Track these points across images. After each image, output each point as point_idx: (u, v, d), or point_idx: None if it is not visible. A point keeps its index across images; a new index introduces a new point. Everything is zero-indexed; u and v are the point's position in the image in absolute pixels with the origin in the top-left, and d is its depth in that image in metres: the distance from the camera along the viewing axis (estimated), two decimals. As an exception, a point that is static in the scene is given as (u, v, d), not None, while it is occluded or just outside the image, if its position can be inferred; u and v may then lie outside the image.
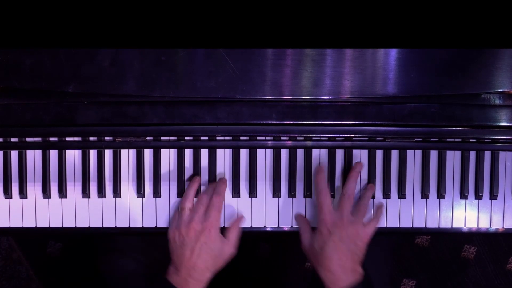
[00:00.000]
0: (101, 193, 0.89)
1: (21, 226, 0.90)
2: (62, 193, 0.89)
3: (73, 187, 0.89)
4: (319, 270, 0.81)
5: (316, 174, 0.86)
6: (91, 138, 0.86)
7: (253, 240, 1.34)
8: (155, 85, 0.80)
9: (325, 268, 0.79)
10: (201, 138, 0.86)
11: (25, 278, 1.43)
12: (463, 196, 0.89)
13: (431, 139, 0.86)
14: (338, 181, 0.89)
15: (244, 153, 0.89)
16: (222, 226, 0.88)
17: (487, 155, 0.89)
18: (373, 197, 0.89)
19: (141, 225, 0.90)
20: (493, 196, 0.89)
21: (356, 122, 0.82)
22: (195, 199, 0.87)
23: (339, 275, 0.79)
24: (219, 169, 0.89)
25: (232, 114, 0.81)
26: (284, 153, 0.89)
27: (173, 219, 0.87)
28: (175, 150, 0.89)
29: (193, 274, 0.80)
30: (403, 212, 0.89)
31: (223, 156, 0.89)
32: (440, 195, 0.89)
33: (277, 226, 0.90)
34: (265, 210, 0.90)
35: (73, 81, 0.80)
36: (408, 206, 0.89)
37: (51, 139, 0.86)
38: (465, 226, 0.90)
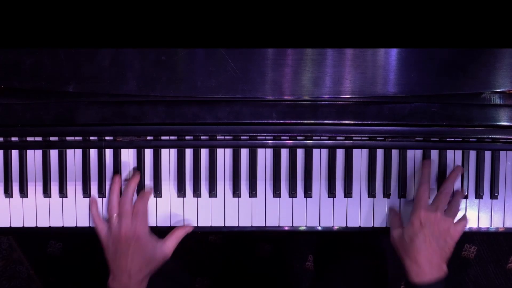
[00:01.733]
0: (101, 193, 0.89)
1: (21, 225, 0.90)
2: (63, 193, 0.89)
3: (74, 187, 0.89)
4: (406, 260, 0.81)
5: (423, 168, 0.87)
6: (91, 138, 0.86)
7: (253, 239, 1.34)
8: (156, 85, 0.80)
9: (412, 259, 0.80)
10: (202, 137, 0.86)
11: (26, 277, 1.44)
12: (464, 195, 0.89)
13: (432, 139, 0.86)
14: (339, 181, 0.89)
15: (244, 153, 0.89)
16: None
17: (488, 154, 0.89)
18: (374, 196, 0.89)
19: (141, 225, 0.90)
20: (493, 195, 0.89)
21: (356, 122, 0.82)
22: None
23: (425, 269, 0.79)
24: (219, 168, 0.89)
25: (232, 113, 0.81)
26: (284, 152, 0.89)
27: (102, 225, 0.87)
28: (176, 149, 0.89)
29: (130, 277, 0.82)
30: (403, 212, 0.89)
31: (224, 156, 0.89)
32: (441, 195, 0.89)
33: (277, 225, 0.90)
34: (265, 209, 0.90)
35: (73, 81, 0.80)
36: (409, 206, 0.89)
37: (52, 138, 0.86)
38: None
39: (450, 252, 0.83)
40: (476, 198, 0.90)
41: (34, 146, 0.87)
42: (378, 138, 0.85)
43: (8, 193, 0.89)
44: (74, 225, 0.90)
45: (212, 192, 0.88)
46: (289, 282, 1.39)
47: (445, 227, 0.82)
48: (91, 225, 0.90)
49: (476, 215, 0.90)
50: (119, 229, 0.84)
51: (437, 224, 0.81)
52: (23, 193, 0.89)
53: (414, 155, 0.89)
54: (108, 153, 0.89)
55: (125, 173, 0.89)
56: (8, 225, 0.90)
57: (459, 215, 0.87)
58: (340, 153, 0.89)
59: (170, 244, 0.87)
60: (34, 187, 0.89)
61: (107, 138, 0.86)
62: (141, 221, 0.85)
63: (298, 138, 0.86)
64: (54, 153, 0.89)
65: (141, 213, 0.86)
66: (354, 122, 0.82)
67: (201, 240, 1.37)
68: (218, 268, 1.35)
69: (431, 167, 0.88)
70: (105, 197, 0.89)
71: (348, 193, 0.89)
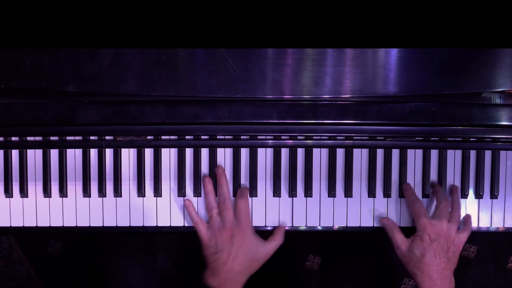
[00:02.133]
0: (101, 192, 0.89)
1: (21, 225, 0.90)
2: (63, 192, 0.89)
3: (74, 186, 0.89)
4: (417, 275, 0.82)
5: (405, 191, 0.88)
6: (91, 137, 0.86)
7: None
8: (156, 85, 0.80)
9: (425, 274, 0.81)
10: (202, 137, 0.86)
11: (26, 277, 1.44)
12: (464, 195, 0.90)
13: (432, 138, 0.86)
14: (339, 181, 0.89)
15: (244, 152, 0.89)
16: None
17: (488, 154, 0.89)
18: (374, 196, 0.89)
19: (141, 224, 0.90)
20: (493, 195, 0.89)
21: (356, 121, 0.82)
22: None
23: (437, 282, 0.80)
24: (219, 168, 0.89)
25: (232, 113, 0.81)
26: (284, 152, 0.89)
27: (203, 226, 0.86)
28: (176, 149, 0.89)
29: (231, 276, 0.82)
30: (403, 211, 0.89)
31: (224, 155, 0.89)
32: (441, 195, 0.89)
33: (277, 225, 0.90)
34: (265, 209, 0.90)
35: (73, 81, 0.80)
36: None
37: (52, 138, 0.86)
38: (465, 225, 0.90)
39: (457, 262, 0.84)
40: (476, 197, 0.90)
41: (34, 145, 0.87)
42: (378, 138, 0.85)
43: (8, 192, 0.89)
44: (74, 225, 0.90)
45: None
46: (289, 282, 1.39)
47: (451, 237, 0.83)
48: (91, 225, 0.90)
49: (476, 214, 0.90)
50: (224, 225, 0.83)
51: (444, 236, 0.82)
52: (23, 192, 0.89)
53: (414, 155, 0.89)
54: (108, 152, 0.89)
55: (125, 176, 0.89)
56: (8, 225, 0.90)
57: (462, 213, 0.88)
58: (340, 153, 0.89)
59: (273, 245, 0.87)
60: (34, 187, 0.89)
61: (107, 137, 0.86)
62: (244, 217, 0.84)
63: (298, 137, 0.86)
64: (54, 153, 0.89)
65: (244, 211, 0.85)
66: (354, 121, 0.82)
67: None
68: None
69: (411, 188, 0.89)
70: (105, 197, 0.89)
71: (348, 192, 0.89)
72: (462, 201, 0.90)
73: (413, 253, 0.82)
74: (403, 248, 0.84)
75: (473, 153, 0.90)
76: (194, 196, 0.89)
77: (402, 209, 0.90)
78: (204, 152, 0.89)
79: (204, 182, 0.88)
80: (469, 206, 0.90)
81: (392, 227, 0.87)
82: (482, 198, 0.90)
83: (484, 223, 0.90)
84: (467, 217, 0.89)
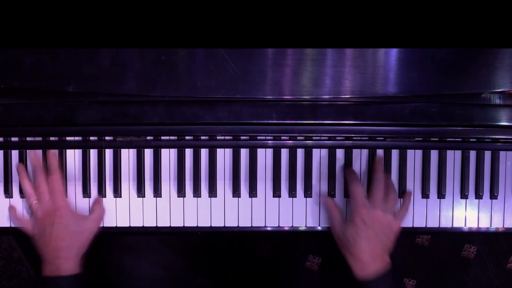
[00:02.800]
0: (101, 193, 0.89)
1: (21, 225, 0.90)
2: (63, 193, 0.89)
3: (74, 187, 0.89)
4: (349, 258, 0.82)
5: (346, 170, 0.88)
6: (91, 138, 0.86)
7: (253, 239, 1.34)
8: (156, 85, 0.80)
9: (356, 257, 0.81)
10: (202, 137, 0.86)
11: (26, 277, 1.43)
12: (464, 195, 0.90)
13: (432, 139, 0.86)
14: (338, 181, 0.89)
15: (244, 153, 0.89)
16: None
17: (488, 154, 0.89)
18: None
19: (141, 225, 0.90)
20: (493, 195, 0.89)
21: (356, 122, 0.82)
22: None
23: (369, 263, 0.81)
24: (219, 168, 0.89)
25: (232, 113, 0.81)
26: (284, 152, 0.89)
27: (26, 223, 0.87)
28: (176, 149, 0.89)
29: (58, 254, 0.81)
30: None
31: (224, 156, 0.89)
32: (441, 195, 0.89)
33: (277, 225, 0.90)
34: (265, 209, 0.90)
35: (73, 81, 0.80)
36: (409, 206, 0.89)
37: (52, 138, 0.86)
38: (465, 225, 0.90)
39: (391, 244, 0.84)
40: (476, 198, 0.90)
41: (34, 146, 0.87)
42: (378, 138, 0.85)
43: (8, 193, 0.89)
44: (74, 225, 0.90)
45: (212, 192, 0.88)
46: (289, 282, 1.39)
47: (386, 222, 0.83)
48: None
49: (476, 215, 0.90)
50: (41, 209, 0.84)
51: (379, 221, 0.82)
52: (23, 193, 0.89)
53: (414, 155, 0.89)
54: (108, 153, 0.89)
55: (124, 176, 0.89)
56: (8, 225, 0.90)
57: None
58: (340, 153, 0.89)
59: (95, 216, 0.87)
60: (34, 187, 0.89)
61: (107, 138, 0.86)
62: (58, 195, 0.85)
63: (298, 138, 0.86)
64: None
65: (57, 189, 0.85)
66: (354, 122, 0.82)
67: (201, 240, 1.37)
68: (218, 268, 1.35)
69: (353, 169, 0.89)
70: (105, 197, 0.89)
71: (347, 193, 0.89)
72: (462, 201, 0.90)
73: (346, 236, 0.82)
74: (337, 229, 0.85)
75: (472, 154, 0.90)
76: (194, 197, 0.89)
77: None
78: (204, 152, 0.89)
79: (18, 170, 0.88)
80: (469, 206, 0.90)
81: (332, 207, 0.87)
82: (482, 198, 0.90)
83: (484, 224, 0.90)
84: (406, 197, 0.88)
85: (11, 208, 0.89)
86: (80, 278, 0.82)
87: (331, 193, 0.89)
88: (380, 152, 0.89)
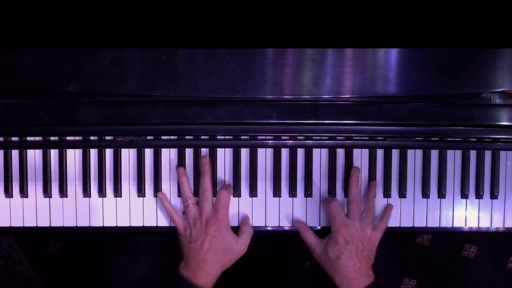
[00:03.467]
0: (101, 193, 0.89)
1: (21, 225, 0.90)
2: (63, 193, 0.89)
3: (74, 186, 0.89)
4: (335, 276, 0.82)
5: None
6: (91, 138, 0.86)
7: (253, 239, 1.34)
8: (156, 85, 0.80)
9: (343, 275, 0.81)
10: (202, 137, 0.86)
11: (26, 277, 1.43)
12: (464, 195, 0.90)
13: (432, 139, 0.86)
14: (339, 181, 0.89)
15: (244, 153, 0.89)
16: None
17: (488, 154, 0.89)
18: (374, 196, 0.89)
19: (141, 225, 0.90)
20: (493, 195, 0.89)
21: (356, 122, 0.82)
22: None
23: (355, 281, 0.80)
24: (219, 168, 0.89)
25: (232, 113, 0.81)
26: (284, 152, 0.89)
27: (178, 216, 0.87)
28: (176, 149, 0.89)
29: (203, 266, 0.81)
30: (403, 212, 0.89)
31: (224, 156, 0.89)
32: (441, 195, 0.89)
33: (277, 225, 0.90)
34: (265, 209, 0.90)
35: (73, 81, 0.80)
36: (409, 206, 0.89)
37: (52, 138, 0.86)
38: (465, 225, 0.90)
39: (373, 258, 0.84)
40: (476, 198, 0.90)
41: (34, 145, 0.87)
42: (378, 138, 0.85)
43: (8, 193, 0.89)
44: (74, 225, 0.90)
45: (213, 192, 0.88)
46: (289, 282, 1.39)
47: (366, 237, 0.83)
48: (91, 225, 0.90)
49: (476, 215, 0.90)
50: (200, 214, 0.83)
51: (359, 236, 0.82)
52: (23, 193, 0.89)
53: (414, 155, 0.89)
54: (108, 153, 0.89)
55: (125, 176, 0.89)
56: (9, 225, 0.90)
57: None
58: (340, 153, 0.89)
59: (246, 239, 0.86)
60: (34, 187, 0.89)
61: (107, 138, 0.86)
62: (222, 209, 0.84)
63: (298, 138, 0.86)
64: (54, 153, 0.89)
65: (223, 203, 0.84)
66: (354, 122, 0.82)
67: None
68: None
69: None
70: (105, 197, 0.89)
71: (347, 193, 0.89)
72: (463, 201, 0.90)
73: (329, 256, 0.82)
74: (317, 250, 0.85)
75: (473, 153, 0.90)
76: (194, 197, 0.89)
77: (402, 209, 0.90)
78: (204, 152, 0.89)
79: (178, 172, 0.87)
80: (469, 206, 0.90)
81: (304, 229, 0.87)
82: (482, 198, 0.90)
83: (484, 223, 0.90)
84: (386, 209, 0.88)
85: (164, 198, 0.87)
86: None
87: (331, 192, 0.89)
88: (357, 161, 0.89)
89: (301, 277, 1.38)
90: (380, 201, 0.89)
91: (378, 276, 0.83)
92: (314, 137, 0.85)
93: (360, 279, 0.80)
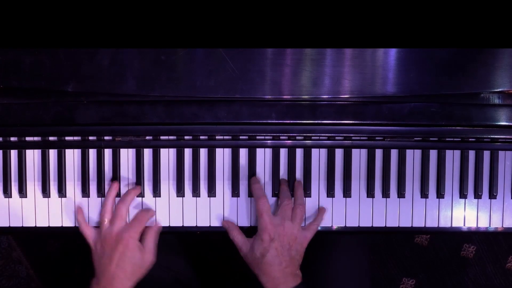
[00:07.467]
0: (100, 192, 0.89)
1: (20, 225, 0.90)
2: (62, 193, 0.89)
3: (73, 186, 0.89)
4: (260, 276, 0.81)
5: (252, 184, 0.87)
6: (90, 138, 0.86)
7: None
8: (155, 85, 0.80)
9: (267, 274, 0.80)
10: (201, 137, 0.86)
11: (25, 277, 1.44)
12: (463, 195, 0.90)
13: (431, 139, 0.86)
14: (338, 181, 0.89)
15: (243, 153, 0.89)
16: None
17: (487, 154, 0.89)
18: (373, 196, 0.89)
19: (140, 225, 0.89)
20: (492, 195, 0.89)
21: (355, 122, 0.82)
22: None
23: (281, 281, 0.80)
24: (218, 168, 0.89)
25: (231, 113, 0.81)
26: (283, 152, 0.89)
27: (88, 230, 0.87)
28: (175, 149, 0.89)
29: (113, 283, 0.80)
30: (402, 212, 0.89)
31: (223, 156, 0.89)
32: (440, 195, 0.89)
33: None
34: (264, 209, 0.89)
35: (72, 81, 0.80)
36: (408, 206, 0.89)
37: (51, 138, 0.86)
38: (464, 225, 0.90)
39: (301, 259, 0.84)
40: (475, 198, 0.90)
41: (33, 146, 0.87)
42: (377, 138, 0.85)
43: (7, 193, 0.89)
44: (73, 225, 0.90)
45: (211, 192, 0.88)
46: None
47: (293, 236, 0.82)
48: (90, 225, 0.89)
49: (475, 214, 0.90)
50: (111, 231, 0.83)
51: (286, 235, 0.82)
52: (22, 193, 0.89)
53: (413, 155, 0.89)
54: (107, 153, 0.89)
55: (124, 176, 0.89)
56: (7, 225, 0.90)
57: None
58: (339, 153, 0.89)
59: (150, 244, 0.86)
60: (33, 187, 0.89)
61: (106, 138, 0.86)
62: (135, 229, 0.84)
63: (297, 138, 0.86)
64: (53, 153, 0.89)
65: (138, 222, 0.85)
66: (353, 122, 0.82)
67: (201, 240, 1.37)
68: (218, 267, 1.35)
69: (259, 182, 0.88)
70: (104, 197, 0.89)
71: (347, 193, 0.89)
72: (461, 201, 0.90)
73: (254, 254, 0.82)
74: (244, 249, 0.84)
75: (472, 153, 0.90)
76: (193, 197, 0.89)
77: (401, 209, 0.90)
78: (203, 152, 0.89)
79: (111, 185, 0.87)
80: (468, 206, 0.90)
81: (232, 228, 0.87)
82: (481, 198, 0.90)
83: (483, 223, 0.90)
84: (320, 211, 0.88)
85: (79, 211, 0.88)
86: None
87: (330, 193, 0.89)
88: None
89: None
90: (380, 201, 0.90)
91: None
92: (313, 137, 0.85)
93: (286, 278, 0.80)
